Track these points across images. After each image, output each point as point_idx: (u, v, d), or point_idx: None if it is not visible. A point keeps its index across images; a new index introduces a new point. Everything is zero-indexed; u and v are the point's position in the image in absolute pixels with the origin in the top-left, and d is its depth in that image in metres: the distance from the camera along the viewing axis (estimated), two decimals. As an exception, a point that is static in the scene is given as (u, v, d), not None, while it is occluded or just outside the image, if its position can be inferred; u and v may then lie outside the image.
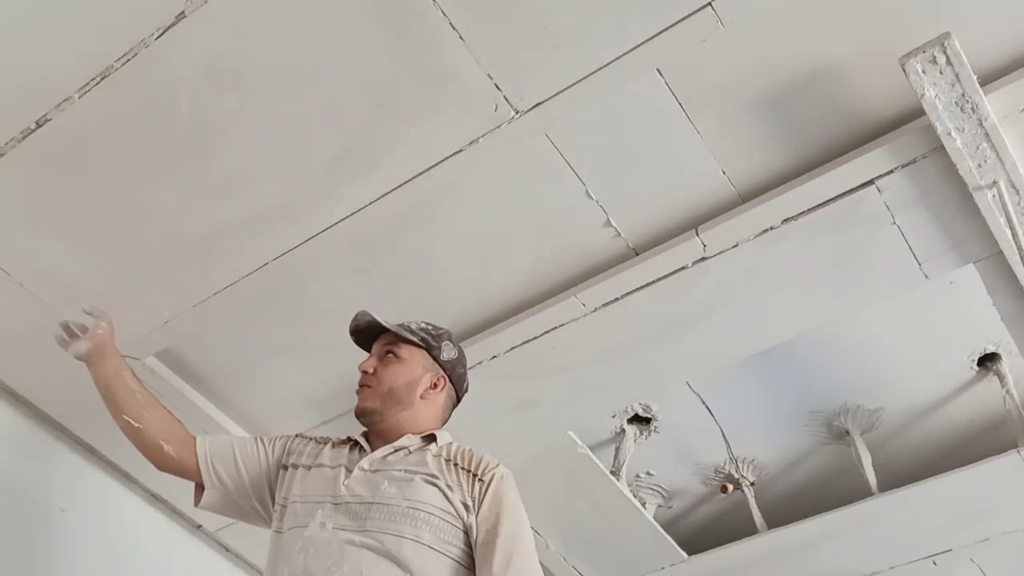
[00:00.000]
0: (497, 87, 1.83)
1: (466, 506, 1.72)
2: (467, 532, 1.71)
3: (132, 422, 1.92)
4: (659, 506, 3.00)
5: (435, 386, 1.90)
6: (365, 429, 1.88)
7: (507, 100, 1.85)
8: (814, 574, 2.84)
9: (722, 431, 2.79)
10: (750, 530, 2.83)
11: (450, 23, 1.75)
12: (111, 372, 1.97)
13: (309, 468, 1.83)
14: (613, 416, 2.72)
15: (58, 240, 2.06)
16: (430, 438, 1.84)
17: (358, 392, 1.87)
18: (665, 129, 1.98)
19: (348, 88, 1.82)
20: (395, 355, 1.89)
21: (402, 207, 1.99)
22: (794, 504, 2.87)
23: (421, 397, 1.87)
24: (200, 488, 1.92)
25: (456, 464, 1.78)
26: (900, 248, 2.08)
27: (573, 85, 1.82)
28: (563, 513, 2.73)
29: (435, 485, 1.73)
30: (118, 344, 2.05)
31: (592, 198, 2.09)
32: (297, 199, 1.98)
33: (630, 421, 2.76)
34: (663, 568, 2.89)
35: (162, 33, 1.77)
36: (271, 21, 1.75)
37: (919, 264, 2.10)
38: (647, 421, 2.75)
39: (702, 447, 2.85)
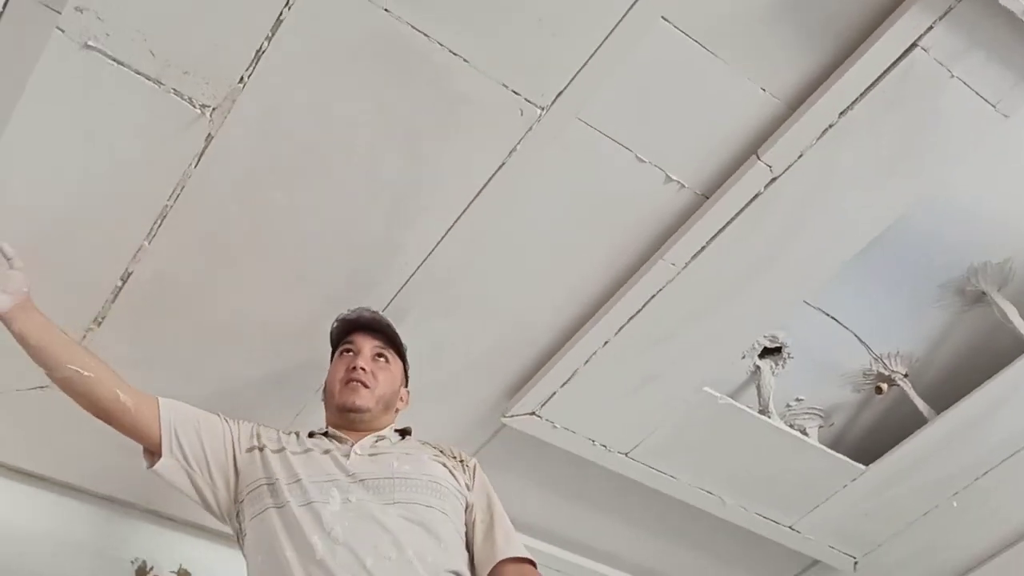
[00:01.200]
0: (515, 93, 1.85)
1: (467, 486, 1.86)
2: (466, 510, 1.84)
3: (80, 371, 1.76)
4: (820, 427, 2.93)
5: (402, 399, 2.03)
6: (333, 423, 1.92)
7: (529, 101, 1.86)
8: (993, 444, 2.73)
9: (855, 335, 2.71)
10: (919, 422, 2.74)
11: (450, 51, 1.78)
12: (39, 325, 1.79)
13: (296, 453, 1.82)
14: (743, 357, 2.68)
15: (172, 377, 2.18)
16: (404, 432, 1.95)
17: (348, 385, 1.90)
18: (692, 71, 1.95)
19: (378, 148, 1.88)
20: (386, 360, 1.98)
21: (468, 237, 2.03)
22: (954, 382, 2.77)
23: (396, 408, 2.00)
24: (151, 452, 1.84)
25: (440, 450, 1.91)
26: (968, 98, 1.99)
27: (586, 64, 1.82)
28: (727, 466, 2.71)
29: (442, 464, 1.86)
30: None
31: (644, 161, 2.07)
32: (368, 264, 2.05)
33: (761, 356, 2.72)
34: (845, 486, 2.83)
35: (199, 159, 1.87)
36: (288, 114, 1.82)
37: (993, 106, 2.01)
38: (778, 351, 2.71)
39: (842, 357, 2.78)
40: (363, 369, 1.91)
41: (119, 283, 2.02)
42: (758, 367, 2.70)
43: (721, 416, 2.56)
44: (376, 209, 1.97)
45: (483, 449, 2.58)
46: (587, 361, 2.32)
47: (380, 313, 2.04)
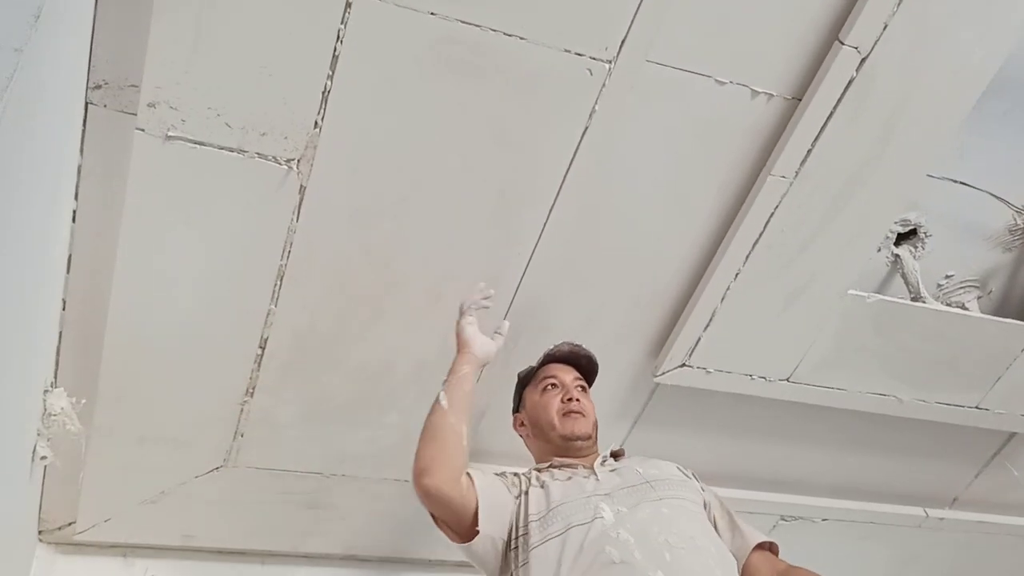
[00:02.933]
0: (579, 55, 1.82)
1: (701, 486, 1.95)
2: (705, 506, 1.90)
3: (463, 438, 1.79)
4: (979, 298, 2.79)
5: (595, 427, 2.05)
6: (555, 454, 1.97)
7: (595, 59, 1.83)
8: None
9: (991, 193, 2.57)
10: (1084, 262, 2.59)
11: (504, 34, 1.76)
12: (474, 376, 1.89)
13: (545, 485, 1.83)
14: (879, 250, 2.58)
15: (339, 424, 2.25)
16: (616, 454, 2.03)
17: (568, 416, 1.98)
18: (746, -24, 1.88)
19: (467, 148, 1.88)
20: (584, 389, 2.08)
21: (577, 207, 2.02)
22: (1110, 211, 2.59)
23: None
24: (463, 528, 1.79)
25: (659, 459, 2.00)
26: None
27: (640, 5, 1.78)
28: (894, 364, 2.60)
29: (677, 467, 1.97)
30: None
31: (725, 83, 2.01)
32: (489, 264, 2.05)
33: (897, 243, 2.61)
34: (1023, 350, 2.68)
35: (298, 212, 1.90)
36: (372, 141, 1.84)
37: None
38: (913, 233, 2.59)
39: (982, 219, 2.64)
40: (577, 400, 2.01)
41: (259, 351, 2.08)
42: (897, 255, 2.59)
43: (874, 315, 2.46)
44: (482, 208, 1.97)
45: (644, 413, 2.55)
46: (723, 298, 2.27)
47: (581, 345, 2.14)
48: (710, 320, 2.31)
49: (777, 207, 2.15)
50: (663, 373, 2.40)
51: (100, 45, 1.68)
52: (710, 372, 2.42)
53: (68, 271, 1.88)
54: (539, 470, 1.92)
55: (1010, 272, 2.80)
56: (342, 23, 1.68)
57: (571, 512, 1.77)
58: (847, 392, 2.61)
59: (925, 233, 2.59)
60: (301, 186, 1.86)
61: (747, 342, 2.39)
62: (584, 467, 1.91)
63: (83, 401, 1.82)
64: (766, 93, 2.04)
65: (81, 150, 1.77)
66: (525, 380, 2.14)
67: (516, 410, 2.14)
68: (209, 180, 1.81)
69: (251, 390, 2.14)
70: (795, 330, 2.41)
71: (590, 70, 1.84)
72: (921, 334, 2.55)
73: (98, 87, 1.73)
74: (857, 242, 2.32)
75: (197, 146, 1.76)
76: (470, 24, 1.73)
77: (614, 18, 1.79)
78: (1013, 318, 2.66)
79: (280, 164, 1.83)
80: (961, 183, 2.53)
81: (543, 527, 1.76)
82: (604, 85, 1.86)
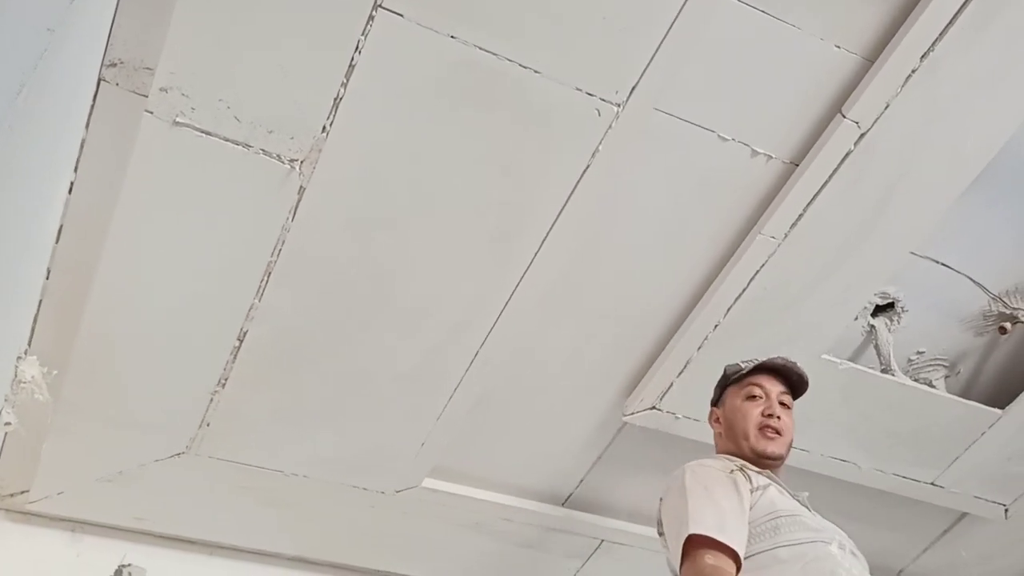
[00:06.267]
0: (590, 94, 1.85)
1: None
2: None
3: None
4: (946, 377, 2.84)
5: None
6: (747, 460, 1.96)
7: (604, 100, 1.86)
8: None
9: (970, 278, 2.62)
10: (1051, 355, 2.64)
11: (520, 65, 1.79)
12: None
13: (763, 487, 1.88)
14: (856, 319, 2.62)
15: (308, 426, 2.25)
16: None
17: (764, 432, 1.97)
18: (762, 41, 1.93)
19: (471, 172, 1.91)
20: (787, 406, 2.04)
21: (570, 242, 2.05)
22: (1083, 309, 2.66)
23: None
24: None
25: None
26: (1055, 15, 1.92)
27: (655, 54, 1.82)
28: (858, 431, 2.64)
29: None
30: (392, 482, 2.19)
31: (727, 139, 2.05)
32: (479, 287, 2.08)
33: (874, 315, 2.65)
34: (983, 433, 2.73)
35: (295, 212, 1.91)
36: (377, 153, 1.86)
37: (1083, 16, 1.93)
38: (891, 306, 2.63)
39: (958, 302, 2.69)
40: (778, 418, 1.99)
41: (236, 343, 2.08)
42: (873, 326, 2.63)
43: (844, 382, 2.51)
44: (479, 232, 2.00)
45: (608, 450, 2.58)
46: (700, 347, 2.30)
47: (795, 363, 2.08)
48: (684, 367, 2.34)
49: (763, 265, 2.20)
50: (632, 413, 2.43)
51: (121, 25, 1.70)
52: (678, 418, 2.45)
53: (57, 241, 1.88)
54: (742, 468, 1.91)
55: (980, 356, 2.85)
56: (363, 34, 1.71)
57: (794, 526, 1.80)
58: (809, 453, 2.64)
59: (902, 308, 2.64)
60: (301, 187, 1.88)
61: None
62: (774, 482, 1.92)
63: (55, 372, 1.81)
64: (766, 154, 2.09)
65: (87, 124, 1.77)
66: (730, 378, 2.09)
67: (715, 404, 2.12)
68: (211, 170, 1.82)
69: (224, 381, 2.14)
70: (767, 387, 2.44)
71: (598, 111, 1.87)
72: (887, 405, 2.60)
73: (113, 65, 1.74)
74: (836, 309, 2.36)
75: (203, 135, 1.77)
76: (488, 52, 1.76)
77: (629, 63, 1.83)
78: (978, 401, 2.71)
79: (283, 163, 1.84)
80: (942, 264, 2.58)
81: (774, 534, 1.79)
82: (610, 127, 1.89)
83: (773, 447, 1.96)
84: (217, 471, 2.30)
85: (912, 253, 2.50)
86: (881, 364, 2.63)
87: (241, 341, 2.08)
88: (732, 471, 1.87)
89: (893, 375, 2.59)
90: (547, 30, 1.76)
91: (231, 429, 2.22)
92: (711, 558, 1.70)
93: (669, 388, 2.37)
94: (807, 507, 1.93)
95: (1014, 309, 2.69)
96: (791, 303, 2.28)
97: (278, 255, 1.97)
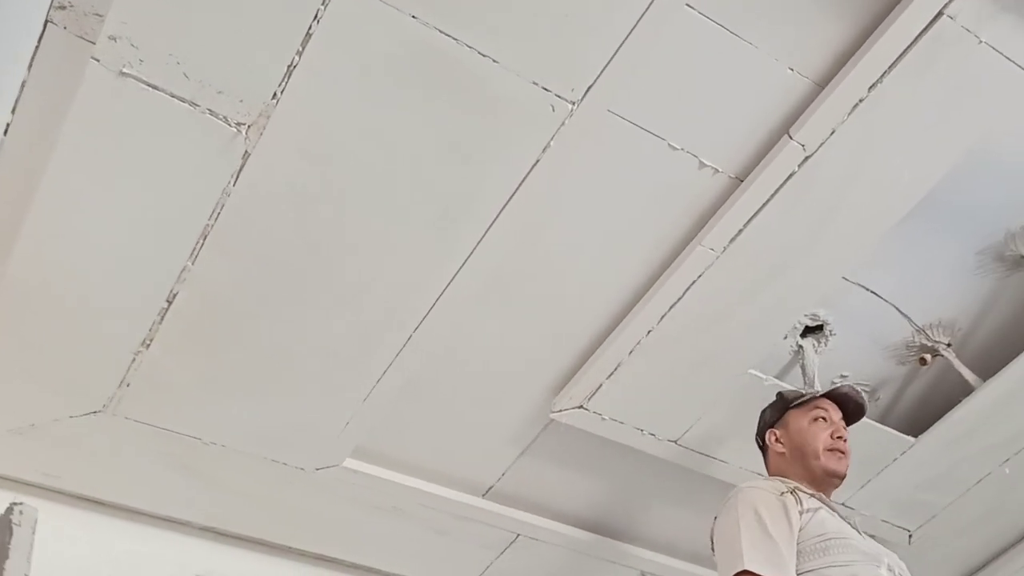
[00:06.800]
0: (546, 89, 1.86)
1: None
2: None
3: None
4: (866, 402, 2.92)
5: None
6: (803, 480, 2.09)
7: (560, 97, 1.87)
8: (1047, 407, 2.71)
9: (897, 308, 2.69)
10: (965, 390, 2.72)
11: (480, 53, 1.79)
12: None
13: (813, 510, 1.97)
14: (785, 338, 2.67)
15: (232, 396, 2.21)
16: None
17: (833, 452, 2.13)
18: (718, 55, 1.95)
19: (420, 155, 1.90)
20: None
21: (512, 235, 2.05)
22: (998, 349, 2.74)
23: None
24: None
25: None
26: (998, 61, 1.98)
27: (614, 56, 1.83)
28: (776, 447, 2.70)
29: None
30: (313, 459, 2.18)
31: (677, 148, 2.08)
32: (418, 271, 2.06)
33: (803, 335, 2.70)
34: (895, 459, 2.81)
35: (236, 177, 1.89)
36: (326, 127, 1.84)
37: (1022, 68, 1.99)
38: (819, 328, 2.69)
39: (884, 330, 2.76)
40: (845, 440, 2.14)
41: (165, 304, 2.05)
42: (801, 346, 2.68)
43: (768, 397, 2.55)
44: (423, 214, 1.98)
45: (534, 444, 2.59)
46: (631, 351, 2.33)
47: (860, 393, 2.27)
48: (615, 370, 2.37)
49: (700, 276, 2.23)
50: (560, 411, 2.45)
51: (73, -34, 1.65)
52: (604, 419, 2.47)
53: (-13, 183, 1.83)
54: (794, 491, 2.01)
55: (900, 385, 2.93)
56: (323, 3, 1.69)
57: (846, 549, 1.88)
58: (728, 465, 2.69)
59: (831, 331, 2.70)
60: (246, 152, 1.85)
61: (645, 398, 2.45)
62: (825, 504, 2.02)
63: (-26, 318, 1.76)
64: (713, 167, 2.12)
65: (30, 66, 1.72)
66: (790, 402, 2.25)
67: (771, 426, 2.25)
68: (154, 125, 1.79)
69: (148, 342, 2.10)
70: (693, 396, 2.48)
71: (553, 106, 1.88)
72: (807, 425, 2.65)
73: (62, 8, 1.69)
74: (767, 326, 2.41)
75: (150, 89, 1.74)
76: (448, 36, 1.76)
77: (587, 63, 1.84)
78: (894, 428, 2.79)
79: (230, 126, 1.81)
80: (872, 292, 2.64)
81: (824, 554, 1.88)
82: (564, 124, 1.90)
83: (842, 466, 2.11)
84: (133, 433, 2.25)
85: (844, 278, 2.56)
86: (805, 384, 2.68)
87: (170, 303, 2.04)
88: (783, 493, 1.99)
89: (815, 396, 2.65)
90: (510, 21, 1.76)
91: (151, 391, 2.17)
92: None
93: (598, 389, 2.39)
94: (857, 530, 2.02)
95: (935, 342, 2.77)
96: (724, 315, 2.32)
97: (216, 219, 1.94)
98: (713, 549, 2.05)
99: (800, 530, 1.92)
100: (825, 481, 2.11)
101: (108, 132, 1.78)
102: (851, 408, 2.26)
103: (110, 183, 1.86)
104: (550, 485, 2.72)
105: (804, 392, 2.27)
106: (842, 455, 2.13)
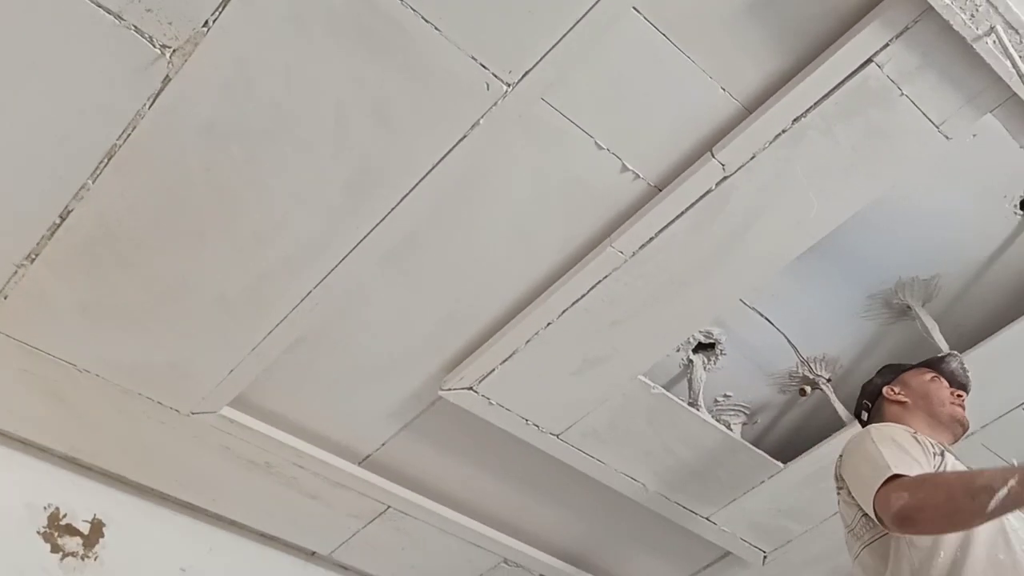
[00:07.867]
0: (483, 66, 1.85)
1: None
2: None
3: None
4: (744, 424, 3.01)
5: None
6: (923, 430, 2.14)
7: (496, 76, 1.87)
8: (910, 452, 2.84)
9: (786, 337, 2.79)
10: (837, 425, 2.84)
11: (422, 18, 1.77)
12: None
13: (939, 454, 2.01)
14: (677, 350, 2.73)
15: (114, 325, 2.14)
16: None
17: (959, 407, 2.25)
18: (657, 63, 1.98)
19: (345, 112, 1.86)
20: None
21: (426, 207, 2.03)
22: (873, 390, 2.87)
23: None
24: None
25: None
26: (915, 116, 2.06)
27: (555, 46, 1.83)
28: (654, 454, 2.76)
29: None
30: (189, 402, 2.13)
31: (603, 148, 2.10)
32: (325, 228, 2.03)
33: (695, 351, 2.77)
34: (762, 482, 2.91)
35: (153, 101, 1.82)
36: (253, 67, 1.79)
37: (937, 127, 2.08)
38: (711, 346, 2.77)
39: (771, 357, 2.86)
40: (963, 399, 2.26)
41: (57, 220, 1.97)
42: (691, 361, 2.75)
43: (652, 405, 2.61)
44: (338, 173, 1.95)
45: (417, 419, 2.58)
46: (528, 341, 2.34)
47: (968, 372, 2.35)
48: (510, 356, 2.38)
49: (606, 277, 2.26)
50: (449, 389, 2.45)
51: None
52: (491, 403, 2.48)
53: None
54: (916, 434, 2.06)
55: (778, 412, 3.04)
56: (270, -61, 1.65)
57: None
58: (604, 466, 2.74)
59: (721, 350, 2.78)
60: (167, 76, 1.79)
61: (535, 389, 2.47)
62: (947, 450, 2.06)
63: None
64: (635, 172, 2.15)
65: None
66: (904, 367, 2.37)
67: (887, 384, 2.34)
68: (75, 32, 1.72)
69: (33, 256, 2.01)
70: (581, 393, 2.52)
71: (488, 84, 1.87)
72: (685, 437, 2.72)
73: None
74: (662, 336, 2.46)
75: (74, -7, 1.66)
76: (393, -6, 1.73)
77: (528, 48, 1.84)
78: (766, 452, 2.88)
79: (154, 47, 1.75)
80: (766, 319, 2.73)
81: None
82: (496, 104, 1.90)
83: (967, 421, 2.22)
84: (2, 348, 2.15)
85: (742, 301, 2.64)
86: (690, 397, 2.76)
87: (63, 219, 1.96)
88: (914, 433, 2.06)
89: (698, 410, 2.72)
90: (458, -7, 1.75)
91: (29, 308, 2.09)
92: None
93: (490, 373, 2.40)
94: None
95: (817, 375, 2.88)
96: (622, 319, 2.35)
97: (125, 140, 1.87)
98: (841, 486, 2.08)
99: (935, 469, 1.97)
100: (949, 428, 2.20)
101: (24, 32, 1.70)
102: (956, 385, 2.33)
103: (18, 86, 1.77)
104: (428, 462, 2.73)
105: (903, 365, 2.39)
106: (964, 411, 2.23)
